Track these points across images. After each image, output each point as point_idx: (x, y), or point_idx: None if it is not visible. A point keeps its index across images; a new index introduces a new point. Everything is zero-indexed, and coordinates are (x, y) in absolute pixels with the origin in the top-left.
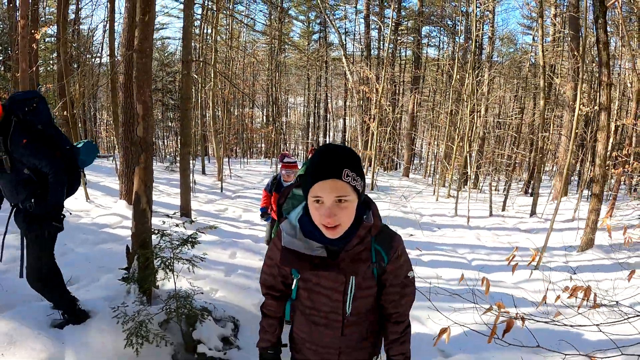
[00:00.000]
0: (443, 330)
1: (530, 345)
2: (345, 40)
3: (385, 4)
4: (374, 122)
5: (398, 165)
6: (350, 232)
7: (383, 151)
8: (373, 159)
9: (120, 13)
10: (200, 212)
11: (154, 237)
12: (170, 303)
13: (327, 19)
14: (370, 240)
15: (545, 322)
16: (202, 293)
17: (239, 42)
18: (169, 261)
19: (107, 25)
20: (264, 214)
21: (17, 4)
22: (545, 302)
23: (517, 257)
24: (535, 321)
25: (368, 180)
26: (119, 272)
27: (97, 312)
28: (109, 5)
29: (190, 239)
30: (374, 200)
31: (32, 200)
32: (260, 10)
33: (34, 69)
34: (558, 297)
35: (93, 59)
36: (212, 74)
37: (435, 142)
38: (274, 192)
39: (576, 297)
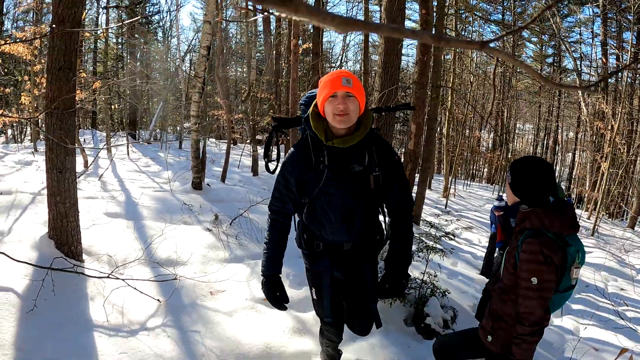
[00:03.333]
0: (624, 350)
1: None
2: (580, 67)
3: (624, 25)
4: (605, 162)
5: (625, 214)
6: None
7: (611, 195)
8: (598, 203)
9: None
10: (424, 221)
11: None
12: (411, 282)
13: (561, 42)
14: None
15: None
16: (438, 281)
17: (472, 64)
18: (435, 242)
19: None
20: None
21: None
22: None
23: None
24: None
25: (589, 225)
26: None
27: None
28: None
29: (450, 234)
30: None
31: (377, 237)
32: (492, 32)
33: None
34: None
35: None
36: (450, 96)
37: None
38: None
39: None
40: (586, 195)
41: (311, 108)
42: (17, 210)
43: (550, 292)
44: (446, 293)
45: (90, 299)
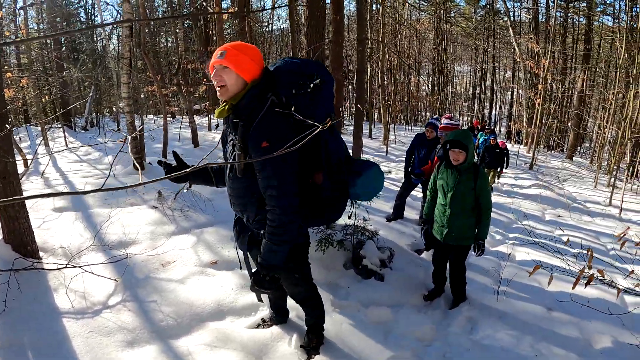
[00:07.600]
0: (537, 267)
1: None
2: (513, 8)
3: None
4: (539, 98)
5: (565, 147)
6: None
7: (551, 130)
8: (535, 137)
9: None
10: None
11: None
12: (347, 228)
13: None
14: None
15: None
16: (371, 226)
17: (403, 12)
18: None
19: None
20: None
21: None
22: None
23: None
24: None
25: (528, 159)
26: None
27: None
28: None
29: None
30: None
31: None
32: None
33: None
34: None
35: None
36: (381, 47)
37: (605, 125)
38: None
39: None
40: (524, 130)
41: None
42: None
43: None
44: (376, 233)
45: (54, 290)
